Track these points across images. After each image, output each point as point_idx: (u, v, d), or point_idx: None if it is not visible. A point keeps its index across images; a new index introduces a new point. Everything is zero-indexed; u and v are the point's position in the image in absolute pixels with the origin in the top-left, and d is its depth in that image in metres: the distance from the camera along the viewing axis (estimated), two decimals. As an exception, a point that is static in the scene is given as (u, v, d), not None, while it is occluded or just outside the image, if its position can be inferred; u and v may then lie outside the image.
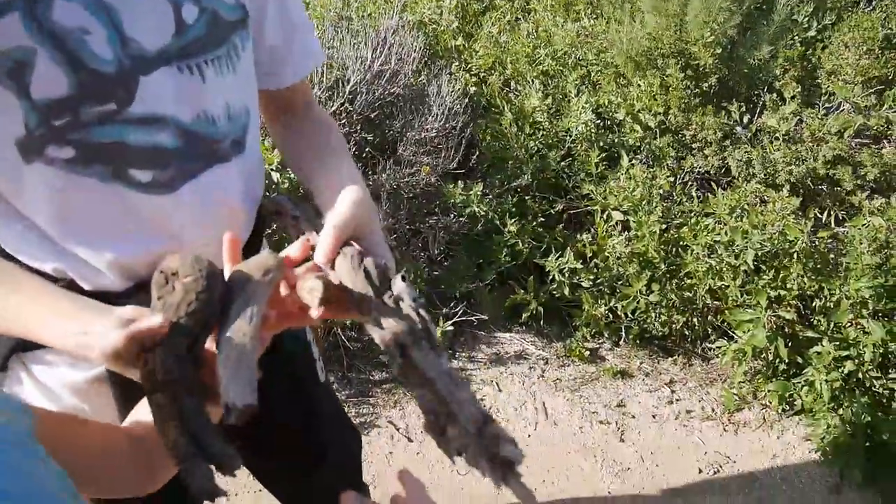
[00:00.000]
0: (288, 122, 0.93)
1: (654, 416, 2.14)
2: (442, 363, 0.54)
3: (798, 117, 2.46)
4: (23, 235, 0.71)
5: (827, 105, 2.56)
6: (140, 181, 0.70)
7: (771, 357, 2.14)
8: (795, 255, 2.11)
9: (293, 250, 0.66)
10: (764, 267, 2.16)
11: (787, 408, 2.13)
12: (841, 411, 2.00)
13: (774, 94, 2.52)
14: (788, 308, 2.08)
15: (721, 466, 1.99)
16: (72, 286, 0.73)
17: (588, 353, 2.34)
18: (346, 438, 1.28)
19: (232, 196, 0.80)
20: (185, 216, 0.75)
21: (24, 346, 0.78)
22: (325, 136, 0.90)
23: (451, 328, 2.23)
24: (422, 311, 0.58)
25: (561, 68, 2.81)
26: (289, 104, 0.94)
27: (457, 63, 2.76)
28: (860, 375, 2.01)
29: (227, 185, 0.78)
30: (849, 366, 2.00)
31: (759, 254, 2.11)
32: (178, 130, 0.71)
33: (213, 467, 0.48)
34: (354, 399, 2.16)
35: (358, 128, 2.21)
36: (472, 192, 2.20)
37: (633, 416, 2.14)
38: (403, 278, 0.61)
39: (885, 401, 2.03)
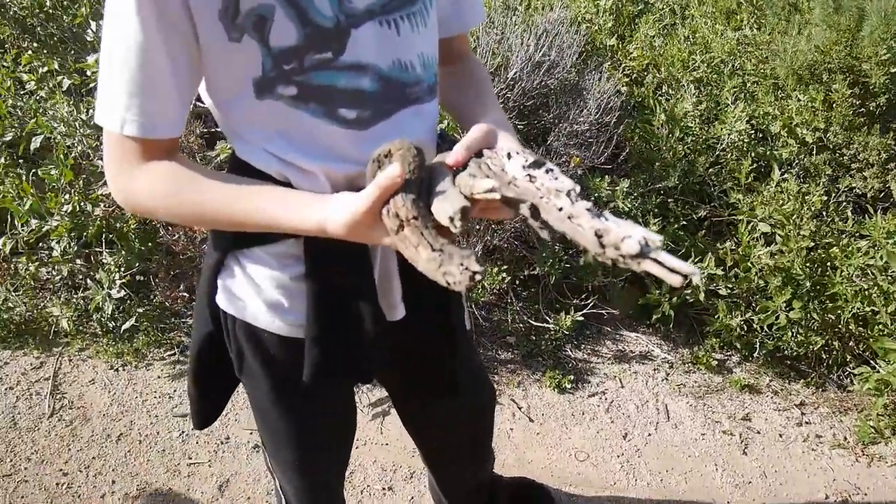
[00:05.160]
0: (447, 72, 1.03)
1: (780, 435, 2.09)
2: (577, 209, 0.62)
3: (975, 147, 2.32)
4: (252, 149, 0.85)
5: None
6: (346, 118, 0.83)
7: (917, 392, 2.04)
8: (957, 289, 2.00)
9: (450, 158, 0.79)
10: (919, 297, 2.06)
11: (929, 448, 2.03)
12: None
13: (950, 121, 2.38)
14: (943, 343, 1.97)
15: (850, 496, 1.92)
16: (291, 186, 0.86)
17: (715, 363, 2.30)
18: (478, 385, 1.32)
19: (420, 134, 0.90)
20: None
21: (239, 245, 0.92)
22: (480, 87, 1.02)
23: (581, 318, 2.26)
24: (535, 173, 0.67)
25: (716, 76, 2.77)
26: (449, 54, 1.03)
27: (609, 63, 2.77)
28: None
29: (416, 124, 0.89)
30: None
31: (917, 283, 2.02)
32: (377, 76, 0.83)
33: (463, 262, 0.61)
34: (479, 374, 2.23)
35: (513, 115, 2.28)
36: (618, 188, 2.22)
37: (758, 432, 2.10)
38: (509, 155, 0.72)
39: None
